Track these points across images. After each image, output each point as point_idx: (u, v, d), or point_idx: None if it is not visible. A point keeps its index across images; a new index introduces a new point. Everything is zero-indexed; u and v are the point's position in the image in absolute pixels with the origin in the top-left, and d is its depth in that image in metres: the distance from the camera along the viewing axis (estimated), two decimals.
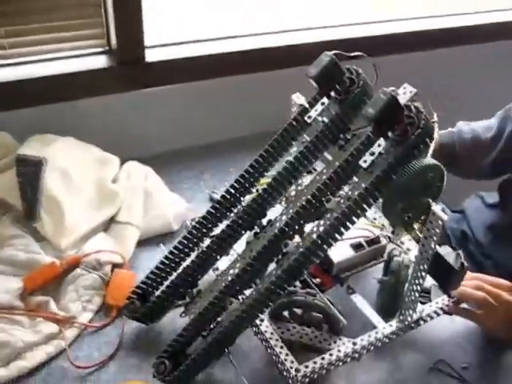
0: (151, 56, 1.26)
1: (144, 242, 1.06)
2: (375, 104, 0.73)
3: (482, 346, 0.94)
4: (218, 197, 0.91)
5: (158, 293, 0.90)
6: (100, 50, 1.23)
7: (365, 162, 0.76)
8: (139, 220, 1.05)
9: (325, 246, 0.76)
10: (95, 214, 1.04)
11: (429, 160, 0.75)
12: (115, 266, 0.97)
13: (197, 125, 1.34)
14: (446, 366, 0.89)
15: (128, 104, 1.27)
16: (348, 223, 0.75)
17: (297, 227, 0.80)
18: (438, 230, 0.76)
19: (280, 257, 0.80)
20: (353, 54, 0.87)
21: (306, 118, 0.89)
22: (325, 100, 0.89)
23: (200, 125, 1.34)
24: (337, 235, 0.76)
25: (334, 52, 0.86)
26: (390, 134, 0.76)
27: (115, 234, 1.03)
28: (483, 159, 1.23)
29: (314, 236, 0.75)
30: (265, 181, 0.89)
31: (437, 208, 0.75)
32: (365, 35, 1.50)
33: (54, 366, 0.84)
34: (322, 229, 0.75)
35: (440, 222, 0.75)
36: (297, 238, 0.80)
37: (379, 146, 0.76)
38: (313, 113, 0.89)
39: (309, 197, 0.79)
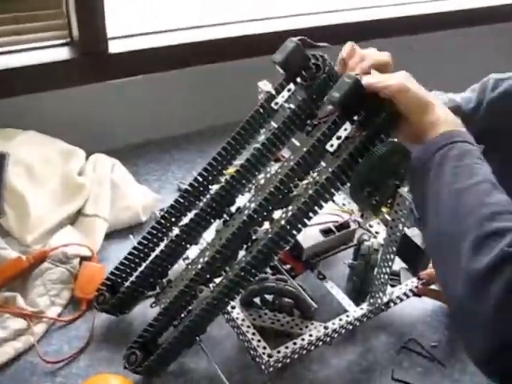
0: (114, 47, 1.23)
1: (112, 234, 1.05)
2: (340, 88, 0.74)
3: (451, 324, 0.95)
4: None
5: (127, 284, 0.88)
6: (62, 41, 1.20)
7: (331, 146, 0.76)
8: (106, 212, 1.03)
9: (293, 231, 0.76)
10: (61, 207, 1.02)
11: (395, 143, 0.75)
12: (83, 258, 0.96)
13: (163, 116, 1.33)
14: (416, 345, 0.90)
15: (92, 96, 1.24)
16: (316, 208, 0.75)
17: (265, 214, 0.80)
18: (405, 212, 0.76)
19: (249, 243, 0.80)
20: (319, 44, 0.87)
21: (272, 105, 0.89)
22: (291, 86, 0.89)
23: (166, 116, 1.33)
24: (305, 220, 0.76)
25: (299, 38, 0.86)
26: (355, 117, 0.76)
27: (82, 227, 1.01)
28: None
29: (283, 222, 0.75)
30: (232, 170, 0.88)
31: (403, 190, 0.76)
32: (330, 23, 1.51)
33: (23, 362, 0.83)
34: (290, 214, 0.75)
35: (407, 203, 0.76)
36: (266, 225, 0.80)
37: (345, 130, 0.77)
38: (279, 99, 0.89)
39: (277, 183, 0.79)
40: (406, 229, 0.80)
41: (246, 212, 0.83)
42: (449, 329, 0.94)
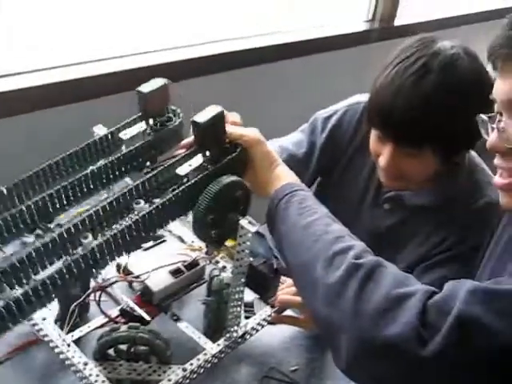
0: None
1: None
2: (205, 115, 0.76)
3: (308, 346, 0.98)
4: None
5: None
6: None
7: (182, 170, 0.76)
8: None
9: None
10: None
11: (233, 177, 0.76)
12: None
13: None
14: (277, 372, 0.91)
15: None
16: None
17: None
18: (248, 243, 0.78)
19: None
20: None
21: (121, 135, 0.85)
22: (143, 125, 0.86)
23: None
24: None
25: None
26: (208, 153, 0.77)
27: None
28: (302, 174, 1.28)
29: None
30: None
31: (244, 222, 0.77)
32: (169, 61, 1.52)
33: None
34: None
35: (249, 235, 0.77)
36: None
37: (197, 161, 0.78)
38: (127, 133, 0.85)
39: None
40: (251, 259, 0.81)
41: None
42: (307, 351, 0.97)
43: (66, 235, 0.69)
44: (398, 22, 2.10)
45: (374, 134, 1.05)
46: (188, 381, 0.83)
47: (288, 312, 0.96)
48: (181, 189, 0.74)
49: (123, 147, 0.86)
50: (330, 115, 1.24)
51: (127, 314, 0.88)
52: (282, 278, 0.95)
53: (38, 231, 0.78)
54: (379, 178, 1.11)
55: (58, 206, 0.79)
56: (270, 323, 0.94)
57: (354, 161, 1.22)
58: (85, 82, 1.35)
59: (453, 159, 1.03)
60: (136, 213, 0.72)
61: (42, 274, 0.68)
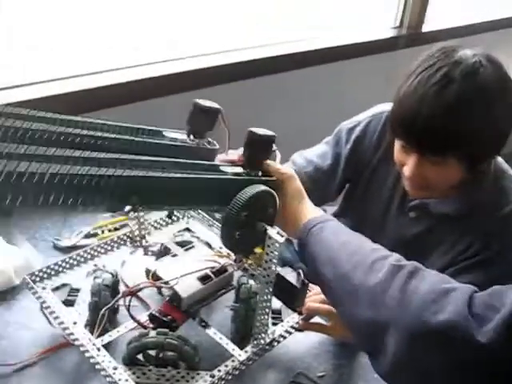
0: None
1: None
2: None
3: (336, 352, 0.98)
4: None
5: None
6: None
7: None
8: None
9: None
10: None
11: (259, 187, 0.77)
12: None
13: None
14: (304, 377, 0.92)
15: None
16: None
17: None
18: (276, 253, 0.78)
19: None
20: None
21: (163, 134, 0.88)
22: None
23: None
24: None
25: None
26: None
27: None
28: (329, 186, 1.30)
29: None
30: None
31: (272, 232, 0.78)
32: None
33: None
34: None
35: (277, 245, 0.77)
36: None
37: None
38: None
39: None
40: (278, 268, 0.82)
41: None
42: (335, 357, 0.97)
43: None
44: (425, 29, 2.10)
45: (398, 144, 1.05)
46: None
47: (315, 319, 0.97)
48: (216, 177, 0.78)
49: None
50: (353, 126, 1.25)
51: (156, 320, 0.89)
52: (310, 286, 0.96)
53: None
54: (404, 187, 1.12)
55: None
56: (297, 330, 0.95)
57: (378, 171, 1.23)
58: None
59: (478, 167, 1.03)
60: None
61: None
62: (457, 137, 0.94)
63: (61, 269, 1.01)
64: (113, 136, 0.77)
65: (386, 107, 1.21)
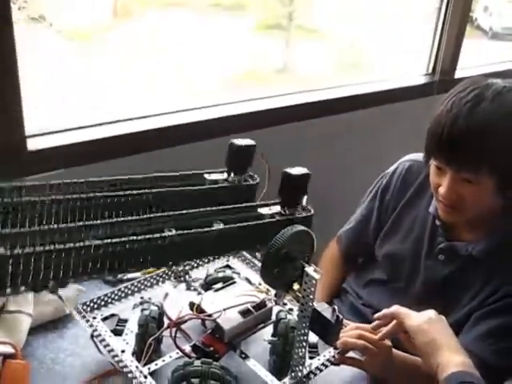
0: (32, 144, 1.28)
1: (38, 329, 1.06)
2: None
3: None
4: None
5: None
6: None
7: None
8: (30, 307, 1.04)
9: None
10: None
11: (298, 227, 0.83)
12: (7, 356, 0.95)
13: None
14: None
15: None
16: None
17: None
18: (312, 289, 0.84)
19: None
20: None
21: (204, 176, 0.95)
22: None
23: None
24: None
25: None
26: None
27: (5, 324, 1.01)
28: (365, 234, 1.40)
29: None
30: None
31: (309, 269, 0.83)
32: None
33: None
34: None
35: (314, 282, 0.83)
36: None
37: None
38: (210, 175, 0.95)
39: None
40: (315, 304, 0.87)
41: None
42: None
43: None
44: (458, 75, 2.16)
45: (433, 167, 1.12)
46: None
47: (350, 354, 1.01)
48: (256, 222, 0.83)
49: None
50: (379, 180, 1.38)
51: (199, 350, 0.95)
52: (345, 322, 1.01)
53: None
54: (430, 230, 1.21)
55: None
56: (333, 364, 0.99)
57: (404, 217, 1.30)
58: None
59: (510, 192, 1.08)
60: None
61: None
62: (489, 152, 1.02)
63: (110, 300, 1.08)
64: (156, 191, 0.84)
65: (411, 157, 1.30)
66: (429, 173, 1.20)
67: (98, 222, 0.73)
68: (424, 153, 1.13)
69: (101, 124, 1.42)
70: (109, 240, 0.70)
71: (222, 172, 0.95)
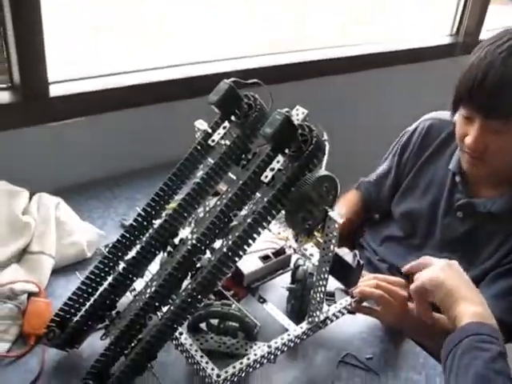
0: (55, 91, 1.28)
1: (59, 271, 1.08)
2: (272, 124, 0.81)
3: (383, 337, 1.03)
4: (128, 223, 0.95)
5: (76, 318, 0.91)
6: (3, 85, 1.24)
7: (266, 177, 0.84)
8: (53, 249, 1.06)
9: (235, 258, 0.82)
10: (7, 246, 1.04)
11: (323, 172, 0.83)
12: (31, 295, 0.98)
13: (104, 156, 1.37)
14: (352, 358, 0.97)
15: (34, 138, 1.28)
16: (254, 235, 0.82)
17: (208, 242, 0.86)
18: (335, 233, 0.84)
19: (194, 271, 0.85)
20: (249, 82, 0.95)
21: (209, 142, 0.96)
22: (226, 124, 0.96)
23: (108, 155, 1.38)
24: (245, 247, 0.82)
25: (232, 80, 0.94)
26: (286, 150, 0.84)
27: (29, 265, 1.04)
28: (384, 188, 1.41)
29: (225, 249, 0.81)
30: (174, 204, 0.94)
31: (333, 213, 0.83)
32: (259, 66, 1.61)
33: None
34: (231, 242, 0.81)
35: (336, 226, 0.83)
36: (208, 254, 0.86)
37: (278, 162, 0.85)
38: (216, 137, 0.96)
39: (217, 213, 0.85)
40: (336, 249, 0.87)
41: (189, 242, 0.89)
42: (383, 342, 1.02)
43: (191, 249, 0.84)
44: (482, 37, 2.12)
45: (460, 118, 1.11)
46: (272, 357, 0.90)
47: (365, 303, 1.03)
48: (271, 195, 0.82)
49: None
50: (400, 137, 1.37)
51: (218, 293, 0.96)
52: (363, 272, 1.02)
53: (170, 248, 0.91)
54: (448, 188, 1.21)
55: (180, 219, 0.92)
56: (349, 312, 1.01)
57: (423, 174, 1.30)
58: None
59: None
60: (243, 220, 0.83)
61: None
62: None
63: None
64: None
65: (433, 115, 1.29)
66: (452, 131, 1.19)
67: None
68: (452, 103, 1.12)
69: (123, 73, 1.41)
70: None
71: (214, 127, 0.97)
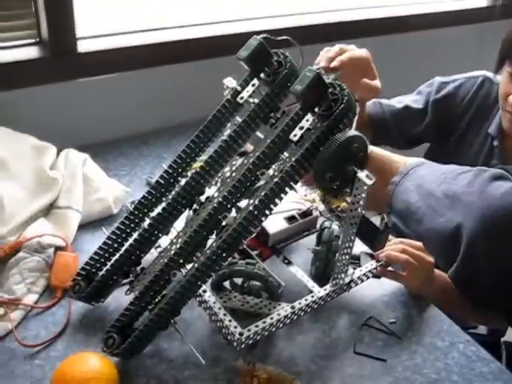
0: (83, 47, 1.27)
1: (85, 226, 1.09)
2: (302, 81, 0.79)
3: (407, 302, 1.02)
4: (154, 180, 0.95)
5: (102, 273, 0.92)
6: (31, 40, 1.23)
7: (295, 136, 0.82)
8: (79, 204, 1.07)
9: (261, 217, 0.81)
10: (34, 200, 1.05)
11: (352, 132, 0.81)
12: (58, 248, 0.99)
13: (131, 113, 1.37)
14: (375, 322, 0.97)
15: (62, 94, 1.28)
16: (281, 194, 0.81)
17: (234, 201, 0.85)
18: (363, 195, 0.83)
19: (219, 230, 0.84)
20: (279, 38, 0.93)
21: (238, 100, 0.94)
22: (255, 82, 0.94)
23: (134, 113, 1.37)
24: (271, 206, 0.81)
25: (263, 36, 0.92)
26: (316, 109, 0.82)
27: (56, 219, 1.05)
28: (413, 129, 1.34)
29: (251, 207, 0.80)
30: (199, 164, 0.93)
31: (362, 174, 0.82)
32: (292, 26, 1.58)
33: (1, 347, 0.85)
34: (257, 200, 0.80)
35: (365, 187, 0.82)
36: (234, 212, 0.85)
37: (307, 121, 0.83)
38: (244, 94, 0.94)
39: (245, 171, 0.84)
40: (363, 211, 0.86)
41: (216, 200, 0.88)
42: (406, 307, 1.01)
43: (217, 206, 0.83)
44: None
45: (505, 75, 1.09)
46: (295, 317, 0.90)
47: (390, 268, 1.01)
48: (299, 154, 0.80)
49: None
50: (447, 81, 1.29)
51: (243, 252, 0.96)
52: (390, 237, 1.00)
53: (195, 206, 0.90)
54: (487, 152, 1.18)
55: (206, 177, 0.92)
56: (374, 276, 1.00)
57: (466, 133, 1.25)
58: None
59: None
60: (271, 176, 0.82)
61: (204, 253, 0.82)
62: None
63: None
64: None
65: (484, 72, 1.24)
66: (497, 93, 1.15)
67: None
68: (497, 60, 1.09)
69: (152, 29, 1.40)
70: None
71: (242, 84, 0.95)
